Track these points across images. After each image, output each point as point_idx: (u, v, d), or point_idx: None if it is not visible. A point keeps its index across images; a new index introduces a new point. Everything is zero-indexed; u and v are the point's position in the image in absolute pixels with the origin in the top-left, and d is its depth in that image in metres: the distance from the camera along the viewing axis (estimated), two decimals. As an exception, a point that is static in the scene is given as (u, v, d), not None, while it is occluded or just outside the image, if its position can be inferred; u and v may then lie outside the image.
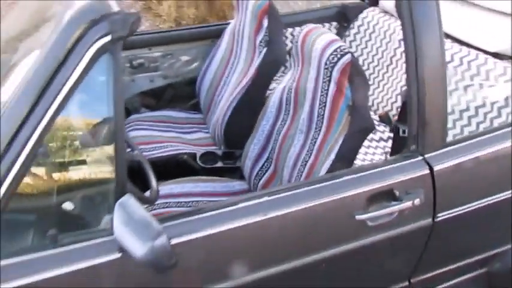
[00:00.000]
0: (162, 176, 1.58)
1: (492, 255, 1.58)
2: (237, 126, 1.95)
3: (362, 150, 1.63)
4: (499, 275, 1.61)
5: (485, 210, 1.42)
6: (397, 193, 1.28)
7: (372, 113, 2.00)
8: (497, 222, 1.50)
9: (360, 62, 2.27)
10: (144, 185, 1.31)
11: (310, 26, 1.50)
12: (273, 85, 1.93)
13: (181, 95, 2.45)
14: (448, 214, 1.37)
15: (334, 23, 2.49)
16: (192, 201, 1.72)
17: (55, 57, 0.93)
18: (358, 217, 1.24)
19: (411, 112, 1.27)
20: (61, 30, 0.95)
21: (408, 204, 1.27)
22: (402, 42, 1.26)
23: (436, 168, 1.31)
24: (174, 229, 1.08)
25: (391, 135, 1.66)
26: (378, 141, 1.97)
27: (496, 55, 1.78)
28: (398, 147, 1.37)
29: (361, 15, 2.39)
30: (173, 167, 1.93)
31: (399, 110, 1.42)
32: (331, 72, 1.37)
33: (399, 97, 2.03)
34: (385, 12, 2.31)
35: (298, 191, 1.21)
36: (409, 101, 1.26)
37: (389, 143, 1.56)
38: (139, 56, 2.28)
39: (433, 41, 1.21)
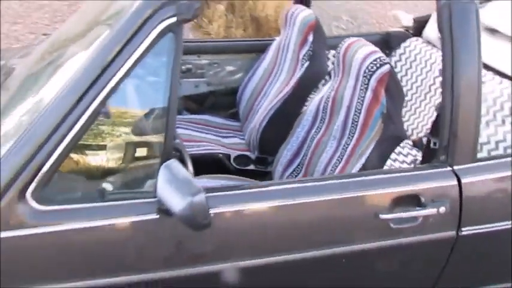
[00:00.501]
0: (197, 172, 1.69)
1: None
2: (272, 133, 2.06)
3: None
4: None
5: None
6: (422, 199, 1.34)
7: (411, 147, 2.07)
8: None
9: (413, 100, 2.36)
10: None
11: (353, 38, 1.62)
12: (311, 96, 2.04)
13: (222, 103, 2.59)
14: (473, 230, 1.40)
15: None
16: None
17: (126, 32, 1.09)
18: (382, 216, 1.30)
19: (443, 123, 1.34)
20: (134, 9, 1.10)
21: (433, 211, 1.32)
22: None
23: (464, 180, 1.36)
24: (212, 200, 1.18)
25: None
26: (409, 164, 2.03)
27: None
28: (429, 158, 1.43)
29: (403, 44, 2.49)
30: (208, 164, 2.04)
31: (432, 122, 1.48)
32: (369, 80, 1.47)
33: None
34: (428, 42, 2.40)
35: (327, 182, 1.29)
36: (442, 112, 1.34)
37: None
38: (188, 62, 2.45)
39: (470, 56, 1.29)
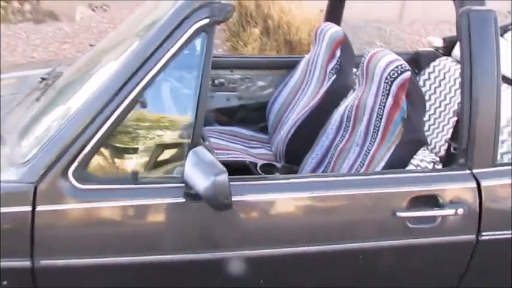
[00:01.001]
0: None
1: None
2: (298, 143, 2.15)
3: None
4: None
5: None
6: (440, 200, 1.38)
7: (431, 153, 2.11)
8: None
9: (427, 109, 2.42)
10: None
11: (377, 49, 1.71)
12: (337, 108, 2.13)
13: (252, 117, 2.72)
14: (493, 235, 1.43)
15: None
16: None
17: (165, 30, 1.24)
18: (398, 214, 1.35)
19: (462, 127, 1.40)
20: (174, 10, 1.25)
21: (450, 212, 1.37)
22: None
23: (483, 183, 1.40)
24: (235, 188, 1.28)
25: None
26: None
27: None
28: (449, 162, 1.48)
29: (433, 63, 2.56)
30: (234, 171, 2.14)
31: (453, 128, 1.54)
32: (390, 86, 1.55)
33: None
34: (457, 61, 2.46)
35: (345, 178, 1.37)
36: (461, 116, 1.40)
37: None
38: (221, 76, 2.61)
39: (489, 62, 1.36)
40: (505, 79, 1.86)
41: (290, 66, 2.58)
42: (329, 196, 1.34)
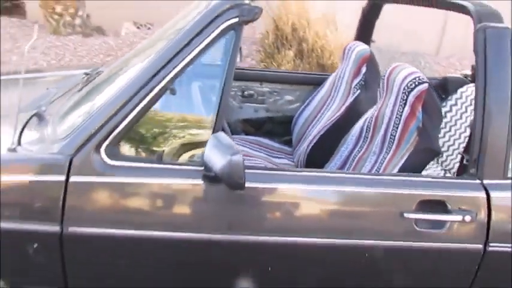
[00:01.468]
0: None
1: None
2: (318, 154, 2.24)
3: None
4: None
5: None
6: (449, 206, 1.44)
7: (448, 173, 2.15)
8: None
9: (452, 132, 2.46)
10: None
11: (398, 63, 1.81)
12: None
13: (278, 129, 2.84)
14: (502, 247, 1.46)
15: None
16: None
17: (199, 25, 1.39)
18: (406, 215, 1.42)
19: (474, 138, 1.46)
20: (208, 9, 1.41)
21: (457, 217, 1.42)
22: None
23: (493, 194, 1.44)
24: (253, 176, 1.39)
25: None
26: None
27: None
28: (460, 174, 1.53)
29: (460, 89, 2.61)
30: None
31: (467, 141, 1.59)
32: (407, 96, 1.64)
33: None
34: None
35: (355, 176, 1.45)
36: (474, 128, 1.46)
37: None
38: (251, 88, 2.76)
39: (502, 77, 1.43)
40: None
41: (318, 82, 2.70)
42: (339, 191, 1.43)
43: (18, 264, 1.45)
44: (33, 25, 6.16)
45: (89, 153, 1.39)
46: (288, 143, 2.77)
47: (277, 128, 2.84)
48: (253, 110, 2.80)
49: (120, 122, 1.39)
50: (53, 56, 5.35)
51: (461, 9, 1.61)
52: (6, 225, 1.39)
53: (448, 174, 1.59)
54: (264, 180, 1.42)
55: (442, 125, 2.49)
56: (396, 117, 1.70)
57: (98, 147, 1.39)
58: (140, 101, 1.38)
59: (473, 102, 2.51)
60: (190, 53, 1.37)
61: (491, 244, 1.46)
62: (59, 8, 5.83)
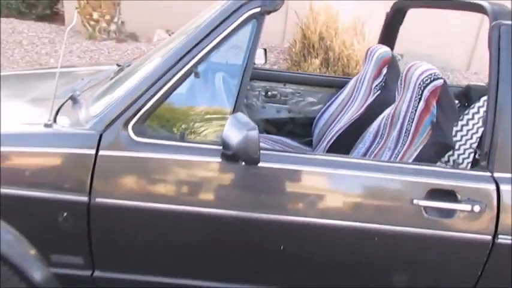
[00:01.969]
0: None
1: None
2: (337, 151, 2.29)
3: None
4: None
5: None
6: (458, 196, 1.49)
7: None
8: None
9: (473, 140, 2.49)
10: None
11: (416, 61, 1.88)
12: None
13: (299, 130, 2.92)
14: (511, 240, 1.49)
15: (455, 102, 2.77)
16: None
17: (224, 14, 1.51)
18: (416, 202, 1.47)
19: (486, 132, 1.51)
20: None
21: (466, 207, 1.46)
22: None
23: (503, 187, 1.48)
24: (270, 157, 1.49)
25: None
26: None
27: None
28: (472, 167, 1.58)
29: (483, 98, 2.64)
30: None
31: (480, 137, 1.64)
32: (422, 91, 1.70)
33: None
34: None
35: (367, 161, 1.52)
36: (486, 122, 1.52)
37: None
38: (274, 89, 2.86)
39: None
40: None
41: (340, 85, 2.78)
42: (349, 175, 1.50)
43: (49, 233, 1.58)
44: (70, 31, 6.48)
45: (117, 129, 1.51)
46: (309, 144, 2.84)
47: (299, 129, 2.93)
48: (276, 110, 2.90)
49: (147, 101, 1.51)
50: (87, 59, 5.62)
51: (478, 8, 1.68)
52: (39, 194, 1.52)
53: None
54: (279, 161, 1.51)
55: (464, 132, 2.53)
56: (411, 112, 1.76)
57: (125, 125, 1.52)
58: (166, 83, 1.50)
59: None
60: (214, 39, 1.49)
61: (500, 236, 1.49)
62: (96, 15, 6.14)
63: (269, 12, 1.51)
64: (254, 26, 1.51)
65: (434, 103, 1.68)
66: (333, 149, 2.33)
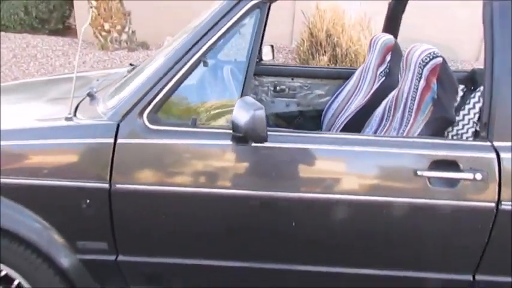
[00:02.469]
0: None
1: None
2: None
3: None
4: None
5: None
6: (461, 166, 1.56)
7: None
8: None
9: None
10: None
11: (416, 43, 1.96)
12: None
13: (309, 123, 3.01)
14: None
15: (462, 86, 2.84)
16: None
17: (229, 5, 1.61)
18: (420, 173, 1.55)
19: (484, 104, 1.59)
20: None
21: (469, 175, 1.54)
22: None
23: (503, 155, 1.55)
24: (278, 137, 1.59)
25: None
26: None
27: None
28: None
29: (489, 81, 2.71)
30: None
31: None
32: (422, 70, 1.78)
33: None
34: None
35: (370, 137, 1.61)
36: (483, 95, 1.59)
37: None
38: (282, 83, 2.96)
39: (507, 45, 1.55)
40: None
41: (346, 76, 2.87)
42: (354, 151, 1.59)
43: (74, 221, 1.69)
44: (83, 43, 6.69)
45: (133, 119, 1.63)
46: (318, 135, 2.93)
47: (308, 122, 3.02)
48: (285, 104, 3.00)
49: (160, 91, 1.62)
50: (100, 68, 5.80)
51: None
52: (63, 183, 1.64)
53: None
54: (287, 141, 1.60)
55: (471, 115, 2.60)
56: (413, 91, 1.84)
57: (140, 114, 1.63)
58: (177, 73, 1.61)
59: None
60: (221, 29, 1.60)
61: (503, 203, 1.56)
62: (107, 26, 6.34)
63: (272, 1, 1.62)
64: (258, 15, 1.62)
65: (434, 80, 1.76)
66: (341, 135, 2.41)
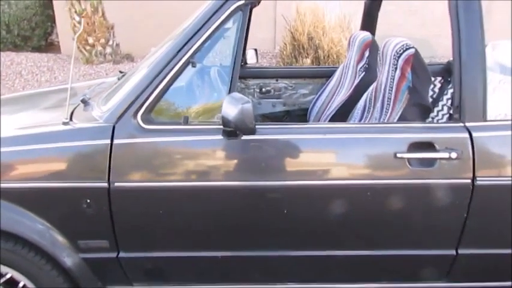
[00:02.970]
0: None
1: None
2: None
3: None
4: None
5: None
6: (437, 147, 1.69)
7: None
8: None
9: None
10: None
11: (391, 37, 2.10)
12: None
13: (295, 121, 3.13)
14: (488, 181, 1.69)
15: (439, 78, 3.00)
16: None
17: (213, 8, 1.74)
18: (399, 155, 1.68)
19: (454, 87, 1.73)
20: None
21: (444, 155, 1.67)
22: None
23: (475, 134, 1.69)
24: (266, 130, 1.71)
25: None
26: None
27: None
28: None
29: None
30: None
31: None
32: (397, 61, 1.92)
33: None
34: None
35: (352, 125, 1.74)
36: (453, 79, 1.73)
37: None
38: (268, 85, 3.09)
39: (473, 30, 1.70)
40: None
41: (329, 75, 3.00)
42: (338, 139, 1.71)
43: (75, 221, 1.78)
44: (67, 58, 6.76)
45: (127, 120, 1.73)
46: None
47: (295, 121, 3.14)
48: (271, 104, 3.12)
49: (152, 92, 1.74)
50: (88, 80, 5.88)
51: None
52: (63, 185, 1.74)
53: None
54: (274, 133, 1.73)
55: (444, 101, 2.75)
56: (390, 81, 1.98)
57: (135, 115, 1.74)
58: (167, 74, 1.73)
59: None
60: (206, 31, 1.72)
61: (478, 179, 1.69)
62: (91, 39, 6.43)
63: (253, 4, 1.74)
64: (240, 17, 1.74)
65: (409, 70, 1.90)
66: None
